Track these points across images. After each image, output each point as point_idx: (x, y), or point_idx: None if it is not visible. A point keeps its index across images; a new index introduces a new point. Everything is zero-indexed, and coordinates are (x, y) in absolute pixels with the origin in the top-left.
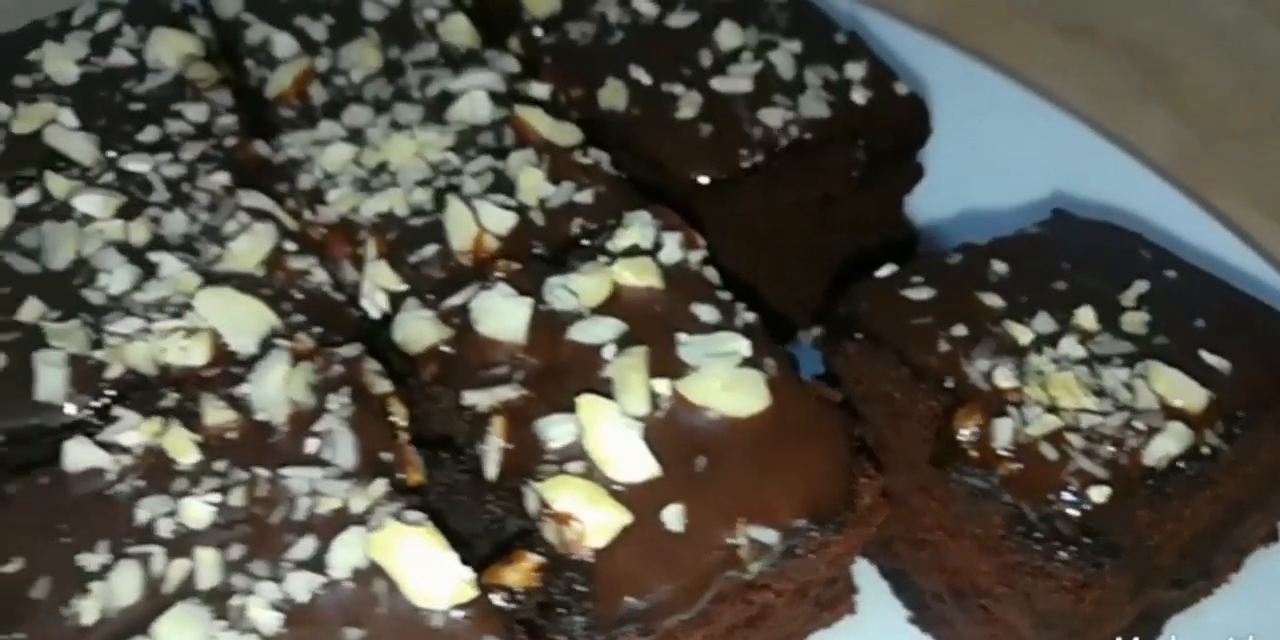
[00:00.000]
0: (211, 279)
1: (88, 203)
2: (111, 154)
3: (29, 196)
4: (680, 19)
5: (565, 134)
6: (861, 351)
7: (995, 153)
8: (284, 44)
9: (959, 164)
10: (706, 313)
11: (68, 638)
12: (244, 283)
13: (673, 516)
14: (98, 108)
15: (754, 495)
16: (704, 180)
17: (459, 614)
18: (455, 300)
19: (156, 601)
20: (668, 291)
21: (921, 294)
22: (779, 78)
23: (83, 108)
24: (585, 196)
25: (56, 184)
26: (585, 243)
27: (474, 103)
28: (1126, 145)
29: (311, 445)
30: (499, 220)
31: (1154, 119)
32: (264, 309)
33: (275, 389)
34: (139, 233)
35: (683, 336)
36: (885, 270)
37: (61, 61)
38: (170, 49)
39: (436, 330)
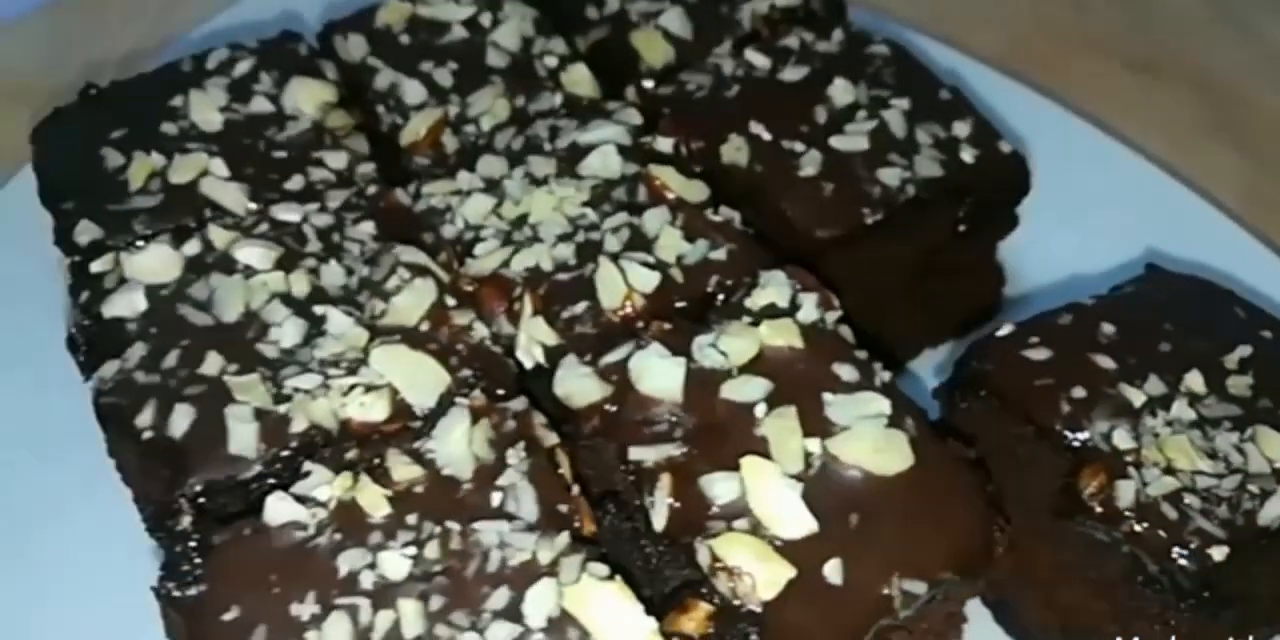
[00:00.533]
0: (377, 333)
1: (249, 254)
2: (260, 204)
3: (192, 247)
4: (792, 73)
5: (695, 191)
6: (986, 408)
7: (1075, 196)
8: (414, 91)
9: (1044, 209)
10: (847, 372)
11: None
12: (412, 338)
13: (832, 570)
14: (244, 156)
15: (905, 550)
16: (827, 237)
17: None
18: (612, 357)
19: None
20: (808, 351)
21: (1040, 355)
22: (892, 136)
23: (230, 156)
24: (720, 254)
25: (218, 235)
26: (721, 299)
27: (605, 157)
28: (1205, 193)
29: (496, 498)
30: (646, 280)
31: (1221, 154)
32: (436, 365)
33: (459, 445)
34: (300, 285)
35: (828, 396)
36: (1004, 330)
37: (206, 110)
38: (308, 97)
39: (598, 387)
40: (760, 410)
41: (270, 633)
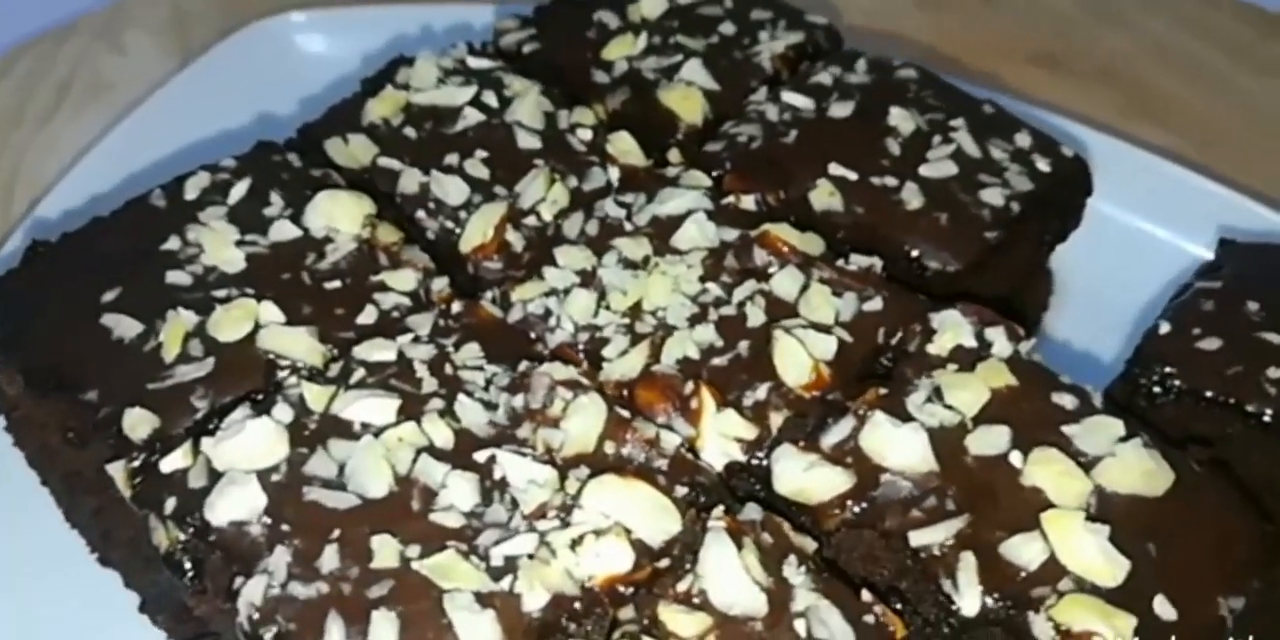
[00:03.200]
0: (565, 469)
1: (363, 409)
2: (334, 347)
3: (283, 414)
4: (840, 109)
5: (813, 244)
6: (1180, 404)
7: None
8: (455, 189)
9: None
10: (1068, 400)
11: None
12: (611, 465)
13: (1162, 607)
14: (292, 295)
15: (1212, 568)
16: (959, 268)
17: None
18: (834, 438)
19: None
20: (1024, 387)
21: (1213, 344)
22: (972, 157)
23: (277, 298)
24: (875, 305)
25: (312, 394)
26: (892, 352)
27: (700, 226)
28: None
29: (801, 628)
30: (825, 347)
31: (1147, 133)
32: (654, 491)
33: (736, 576)
34: (440, 433)
35: (1068, 429)
36: (1164, 328)
37: (221, 246)
38: (345, 213)
39: (838, 475)
40: (1016, 458)
41: None
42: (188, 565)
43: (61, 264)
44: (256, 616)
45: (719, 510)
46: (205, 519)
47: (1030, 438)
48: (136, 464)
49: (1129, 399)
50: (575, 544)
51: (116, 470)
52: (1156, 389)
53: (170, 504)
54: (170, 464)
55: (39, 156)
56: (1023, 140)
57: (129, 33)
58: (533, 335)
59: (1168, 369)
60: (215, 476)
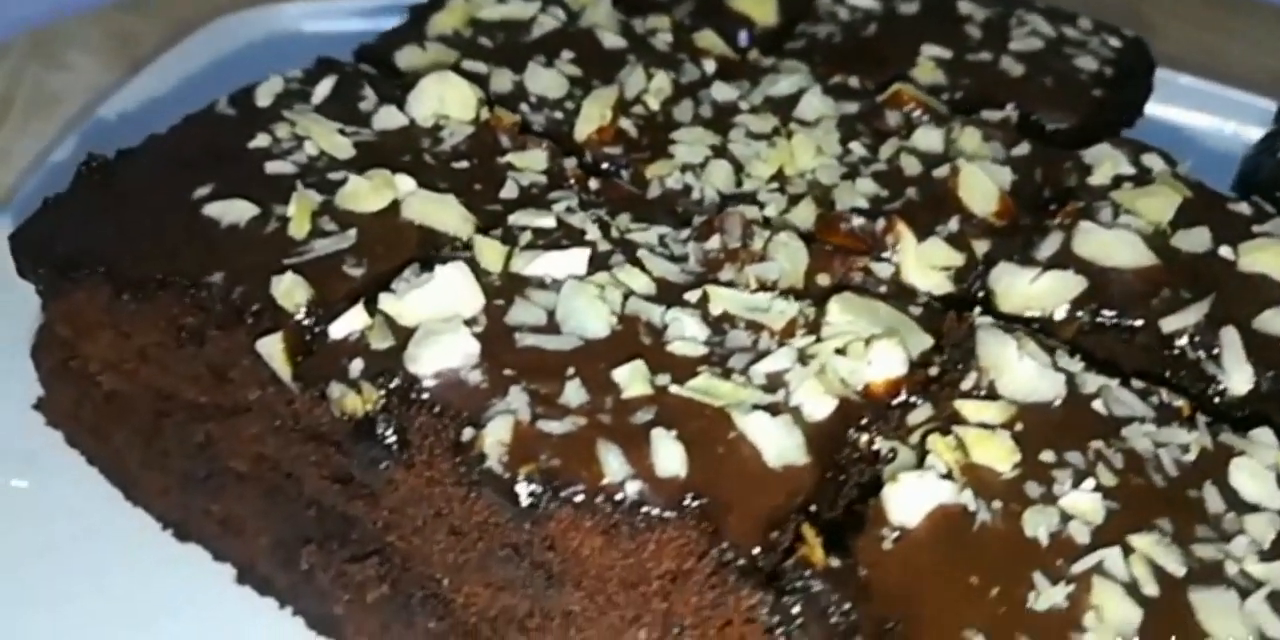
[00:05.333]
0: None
1: (553, 263)
2: (483, 220)
3: (459, 272)
4: (907, 7)
5: (938, 106)
6: None
7: None
8: (554, 83)
9: None
10: (1244, 208)
11: None
12: (826, 294)
13: None
14: (421, 170)
15: None
16: (1073, 123)
17: None
18: (1047, 251)
19: None
20: (1199, 198)
21: None
22: (1049, 36)
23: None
24: (1022, 149)
25: (488, 252)
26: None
27: (820, 99)
28: None
29: (1099, 407)
30: (1003, 176)
31: None
32: (889, 307)
33: (1024, 364)
34: (639, 281)
35: (1257, 228)
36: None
37: (326, 136)
38: (457, 96)
39: (1066, 279)
40: (1227, 252)
41: None
42: (390, 431)
43: (127, 177)
44: (507, 458)
45: (977, 310)
46: (410, 372)
47: (1230, 235)
48: (300, 333)
49: None
50: (840, 353)
51: (271, 345)
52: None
53: (356, 367)
54: (344, 327)
55: None
56: (1085, 24)
57: (70, 52)
58: (679, 209)
59: None
60: (404, 334)
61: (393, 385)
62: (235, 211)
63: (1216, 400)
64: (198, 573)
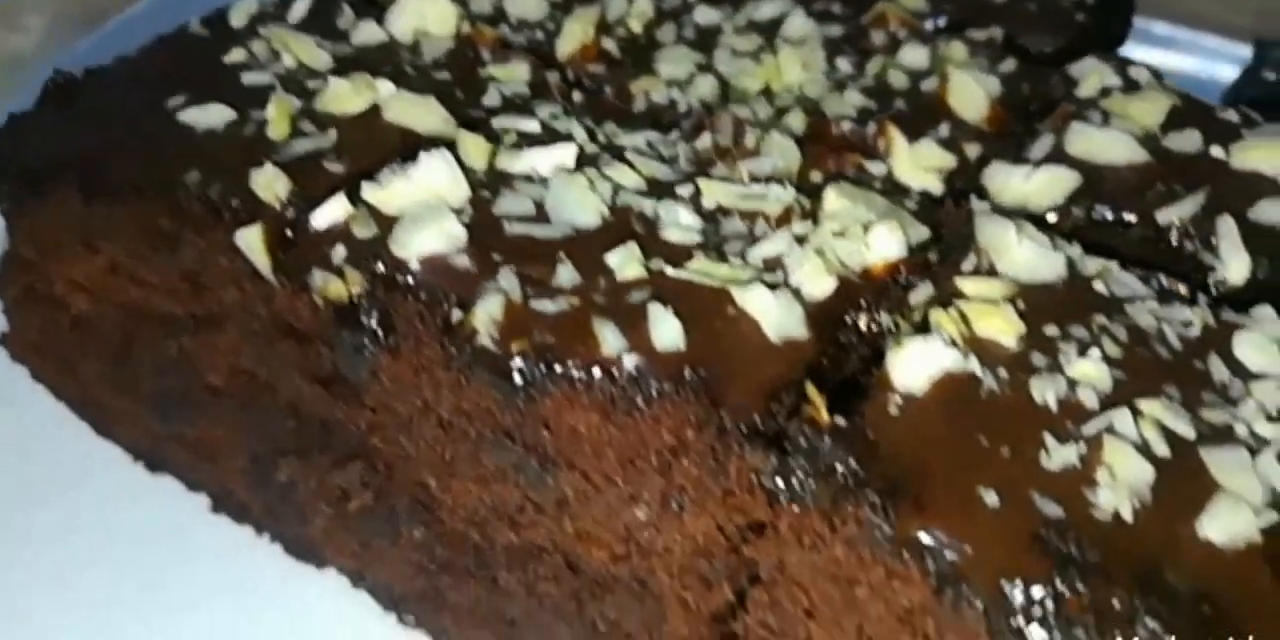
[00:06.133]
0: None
1: (541, 158)
2: (465, 124)
3: (444, 163)
4: None
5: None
6: None
7: None
8: (533, 6)
9: None
10: (1231, 115)
11: None
12: (828, 181)
13: None
14: (402, 78)
15: None
16: (1059, 46)
17: None
18: (1039, 152)
19: None
20: (1187, 106)
21: None
22: None
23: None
24: (1009, 65)
25: (473, 148)
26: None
27: (803, 20)
28: None
29: (1100, 287)
30: (992, 84)
31: None
32: (883, 199)
33: (1024, 244)
34: (628, 177)
35: (1246, 132)
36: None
37: (305, 49)
38: (437, 11)
39: (1060, 173)
40: (1218, 151)
41: None
42: (374, 316)
43: (96, 92)
44: (499, 335)
45: (973, 197)
46: (396, 257)
47: (1220, 137)
48: (280, 226)
49: None
50: (839, 236)
51: (250, 236)
52: None
53: (339, 253)
54: (326, 216)
55: None
56: None
57: (26, 16)
58: (665, 121)
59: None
60: (388, 223)
61: (377, 270)
62: (211, 116)
63: (1214, 290)
64: (171, 505)
